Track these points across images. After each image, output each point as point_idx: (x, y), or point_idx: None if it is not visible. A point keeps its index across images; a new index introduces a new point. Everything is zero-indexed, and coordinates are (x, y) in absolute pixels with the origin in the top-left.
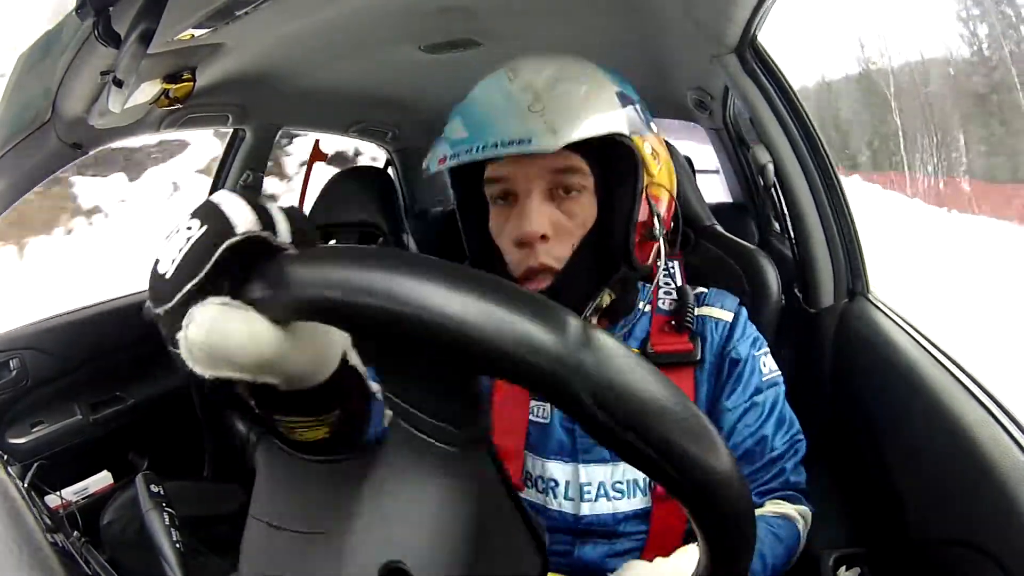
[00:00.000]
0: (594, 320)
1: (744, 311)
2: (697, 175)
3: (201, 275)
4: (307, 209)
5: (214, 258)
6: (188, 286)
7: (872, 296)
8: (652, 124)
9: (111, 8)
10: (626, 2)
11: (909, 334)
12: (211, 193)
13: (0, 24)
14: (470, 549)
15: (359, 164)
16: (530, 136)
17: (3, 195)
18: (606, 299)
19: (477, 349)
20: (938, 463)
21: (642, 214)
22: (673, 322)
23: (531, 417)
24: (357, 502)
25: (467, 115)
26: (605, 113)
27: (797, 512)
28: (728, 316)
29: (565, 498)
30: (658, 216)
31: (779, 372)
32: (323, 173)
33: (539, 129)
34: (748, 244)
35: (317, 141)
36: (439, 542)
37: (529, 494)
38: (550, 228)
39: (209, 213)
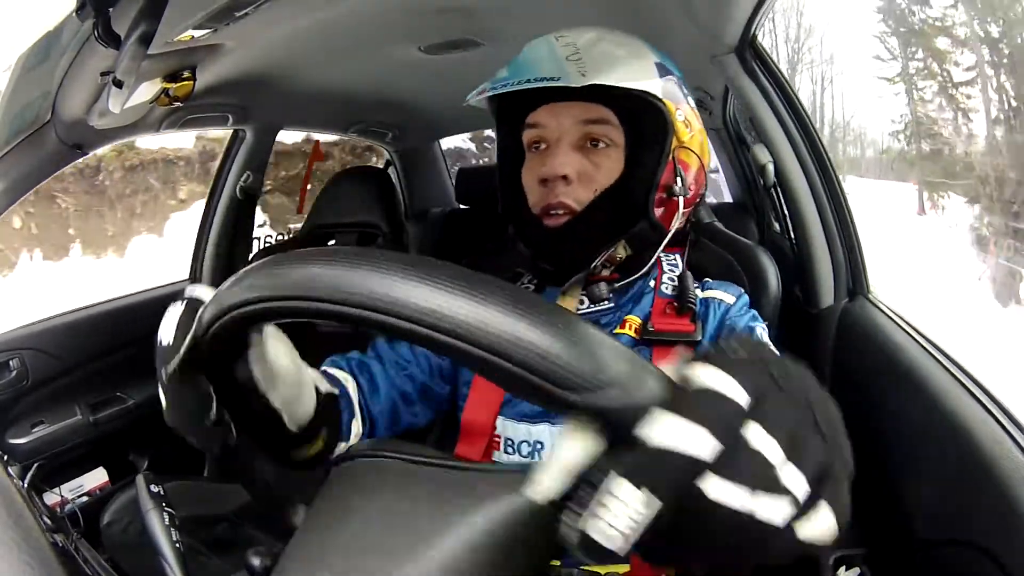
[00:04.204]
0: (605, 272)
1: (747, 298)
2: None
3: None
4: (307, 209)
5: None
6: None
7: (872, 296)
8: (691, 99)
9: (111, 9)
10: (626, 2)
11: (909, 334)
12: (212, 193)
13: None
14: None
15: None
16: (560, 75)
17: (3, 195)
18: (621, 252)
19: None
20: (938, 463)
21: (667, 176)
22: (675, 304)
23: None
24: None
25: (512, 63)
26: (638, 73)
27: None
28: (731, 299)
29: None
30: (682, 178)
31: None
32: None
33: (571, 71)
34: (747, 241)
35: (317, 141)
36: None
37: (514, 460)
38: (574, 173)
39: None
